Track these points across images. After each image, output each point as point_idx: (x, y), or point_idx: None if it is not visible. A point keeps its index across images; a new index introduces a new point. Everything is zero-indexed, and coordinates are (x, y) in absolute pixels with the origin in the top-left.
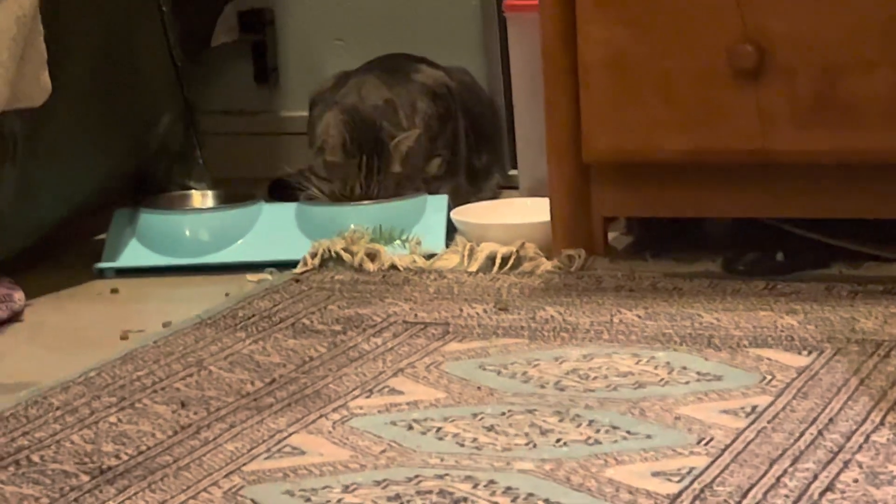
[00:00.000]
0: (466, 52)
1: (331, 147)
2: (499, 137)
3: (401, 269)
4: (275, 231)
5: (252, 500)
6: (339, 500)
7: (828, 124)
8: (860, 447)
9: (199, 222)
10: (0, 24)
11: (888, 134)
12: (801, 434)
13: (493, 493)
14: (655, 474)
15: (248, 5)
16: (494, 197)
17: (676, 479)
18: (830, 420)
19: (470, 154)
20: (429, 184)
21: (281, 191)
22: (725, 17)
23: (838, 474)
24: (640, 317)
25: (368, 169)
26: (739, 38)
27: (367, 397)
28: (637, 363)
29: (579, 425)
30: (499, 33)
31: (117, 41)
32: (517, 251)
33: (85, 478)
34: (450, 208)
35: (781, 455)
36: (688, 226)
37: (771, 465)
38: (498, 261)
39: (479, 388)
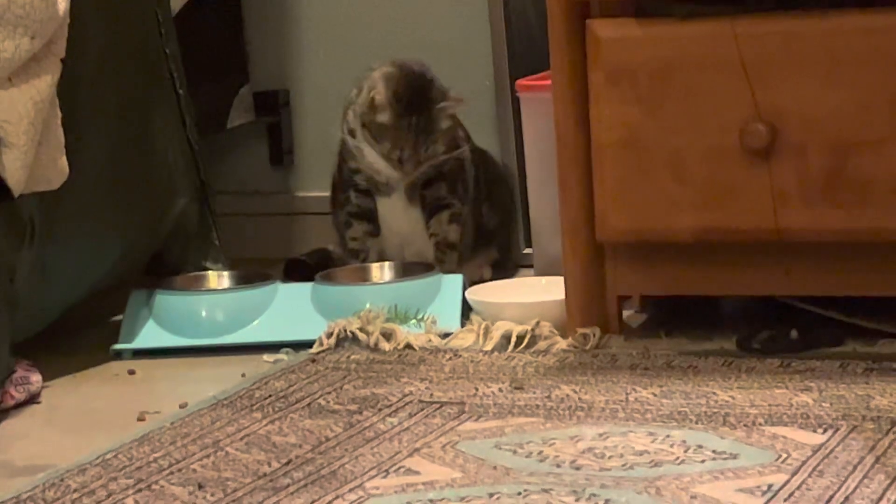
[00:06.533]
0: (481, 131)
1: (380, 105)
2: (513, 213)
3: (416, 348)
4: (291, 311)
5: None
6: None
7: (839, 202)
8: None
9: (216, 303)
10: (18, 108)
11: None
12: None
13: None
14: None
15: (263, 87)
16: (481, 279)
17: None
18: (846, 498)
19: (479, 200)
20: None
21: (296, 271)
22: (737, 95)
23: None
24: (655, 395)
25: (418, 129)
26: (751, 117)
27: (384, 477)
28: (653, 442)
29: None
30: (513, 113)
31: (134, 123)
32: (532, 330)
33: None
34: (465, 287)
35: None
36: (702, 303)
37: None
38: (513, 340)
39: (494, 467)
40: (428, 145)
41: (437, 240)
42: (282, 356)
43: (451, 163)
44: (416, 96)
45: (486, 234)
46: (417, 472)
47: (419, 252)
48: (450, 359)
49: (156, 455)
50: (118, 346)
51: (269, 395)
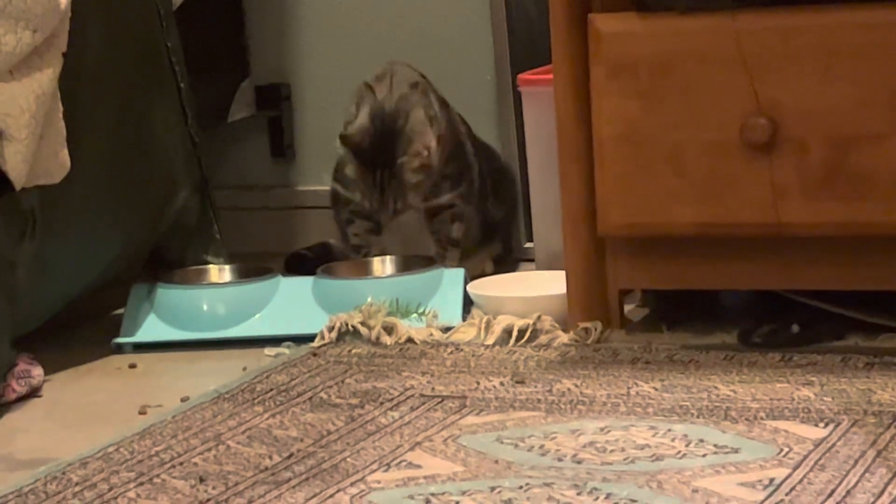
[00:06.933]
0: (482, 125)
1: (345, 160)
2: (514, 206)
3: (417, 342)
4: (292, 305)
5: None
6: None
7: (840, 196)
8: None
9: (217, 297)
10: (19, 102)
11: None
12: None
13: None
14: None
15: (264, 81)
16: (482, 273)
17: None
18: (848, 493)
19: (485, 194)
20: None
21: (298, 265)
22: (737, 90)
23: None
24: (656, 389)
25: (383, 184)
26: (751, 112)
27: (385, 471)
28: (654, 436)
29: (597, 498)
30: (514, 107)
31: (135, 117)
32: (533, 324)
33: None
34: (466, 281)
35: None
36: (703, 297)
37: None
38: (514, 334)
39: (496, 461)
40: (397, 199)
41: (439, 236)
42: (283, 350)
43: (453, 164)
44: (378, 152)
45: (491, 228)
46: (419, 466)
47: (423, 252)
48: (451, 353)
49: (157, 448)
50: (119, 340)
51: (271, 389)
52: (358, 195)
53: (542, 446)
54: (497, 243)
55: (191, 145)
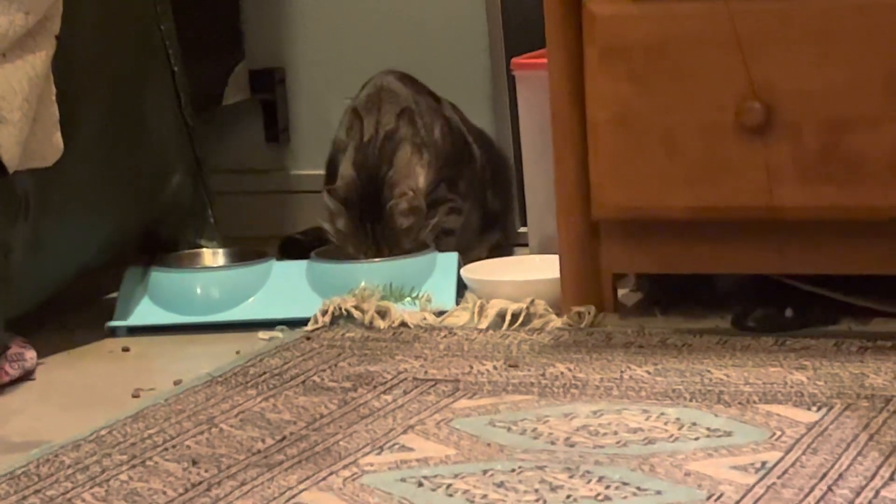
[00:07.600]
0: (476, 110)
1: (335, 212)
2: (510, 194)
3: (411, 326)
4: (286, 289)
5: None
6: None
7: (834, 180)
8: (870, 503)
9: (211, 280)
10: (13, 84)
11: (894, 190)
12: (811, 490)
13: None
14: None
15: (259, 65)
16: (476, 258)
17: None
18: (840, 476)
19: (484, 184)
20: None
21: (292, 249)
22: (731, 73)
23: None
24: (649, 373)
25: (375, 234)
26: (746, 95)
27: (378, 454)
28: (647, 419)
29: (589, 481)
30: (508, 91)
31: (128, 100)
32: (527, 308)
33: None
34: (460, 265)
35: None
36: (697, 282)
37: None
38: (508, 318)
39: (489, 444)
40: (391, 247)
41: (433, 226)
42: (276, 333)
43: (453, 165)
44: (367, 203)
45: (490, 219)
46: (412, 449)
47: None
48: (444, 336)
49: (150, 431)
50: (113, 323)
51: (264, 373)
52: (351, 248)
53: (534, 430)
54: (497, 233)
55: (184, 129)
